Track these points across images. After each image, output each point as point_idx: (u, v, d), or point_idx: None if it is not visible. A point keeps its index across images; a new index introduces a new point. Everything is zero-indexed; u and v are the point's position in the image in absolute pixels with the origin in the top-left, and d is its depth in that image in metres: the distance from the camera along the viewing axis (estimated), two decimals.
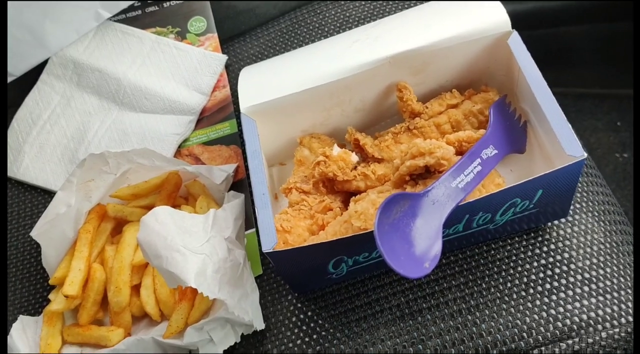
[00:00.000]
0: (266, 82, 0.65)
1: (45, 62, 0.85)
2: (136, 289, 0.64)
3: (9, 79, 0.84)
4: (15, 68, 0.84)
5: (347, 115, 0.67)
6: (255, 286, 0.60)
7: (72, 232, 0.66)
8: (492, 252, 0.60)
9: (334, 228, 0.56)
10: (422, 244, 0.47)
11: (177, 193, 0.70)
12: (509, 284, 0.57)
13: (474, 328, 0.55)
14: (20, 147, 0.80)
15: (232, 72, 0.82)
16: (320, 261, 0.55)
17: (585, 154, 0.50)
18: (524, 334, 0.54)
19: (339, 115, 0.67)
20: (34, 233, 0.65)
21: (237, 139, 0.76)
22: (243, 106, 0.63)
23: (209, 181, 0.69)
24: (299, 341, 0.59)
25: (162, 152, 0.74)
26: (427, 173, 0.55)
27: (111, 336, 0.60)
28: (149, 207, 0.64)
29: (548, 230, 0.60)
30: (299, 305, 0.61)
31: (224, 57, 0.82)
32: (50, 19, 0.84)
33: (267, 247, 0.52)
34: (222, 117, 0.79)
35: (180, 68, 0.82)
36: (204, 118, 0.79)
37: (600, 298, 0.56)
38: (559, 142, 0.52)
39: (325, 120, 0.67)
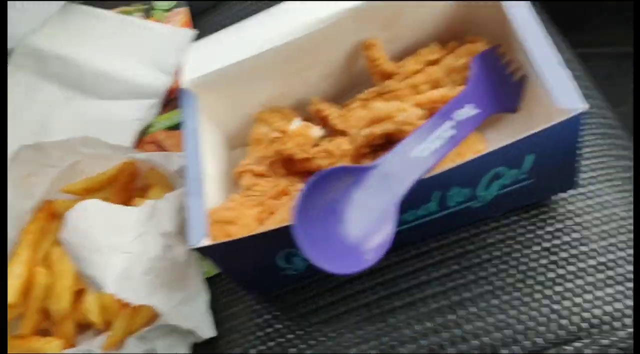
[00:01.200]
0: (213, 53, 0.57)
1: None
2: (82, 295, 0.57)
3: None
4: None
5: (312, 83, 0.57)
6: (202, 287, 0.52)
7: (14, 232, 0.60)
8: (482, 235, 0.49)
9: (282, 215, 0.47)
10: (367, 230, 0.37)
11: (133, 184, 0.62)
12: (502, 275, 0.46)
13: (455, 331, 0.45)
14: None
15: None
16: (265, 256, 0.46)
17: (586, 106, 0.39)
18: (519, 336, 0.43)
19: (301, 84, 0.57)
20: None
21: None
22: (186, 79, 0.54)
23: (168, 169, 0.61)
24: (253, 351, 0.50)
25: (122, 140, 0.67)
26: (390, 144, 0.45)
27: (47, 348, 0.53)
28: None
29: (553, 205, 0.49)
30: (257, 307, 0.52)
31: (192, 32, 0.74)
32: (11, 6, 0.78)
33: (193, 243, 0.43)
34: None
35: (145, 48, 0.74)
36: (170, 101, 0.71)
37: (619, 288, 0.44)
38: (550, 93, 0.41)
39: (287, 91, 0.58)
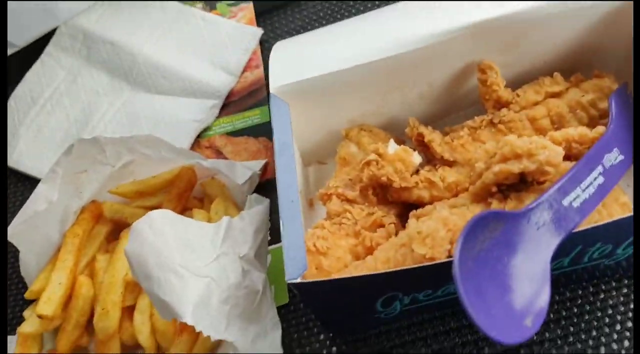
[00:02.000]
0: (304, 58, 0.51)
1: (52, 33, 0.73)
2: (130, 311, 0.50)
3: (10, 51, 0.72)
4: (18, 37, 0.72)
5: (409, 102, 0.52)
6: (277, 320, 0.46)
7: (57, 235, 0.53)
8: (602, 295, 0.44)
9: (387, 254, 0.41)
10: (523, 290, 0.32)
11: (190, 193, 0.56)
12: (625, 342, 0.41)
13: None
14: (16, 129, 0.68)
15: (267, 49, 0.68)
16: (365, 298, 0.40)
17: None
18: None
19: (397, 102, 0.52)
20: (9, 233, 0.52)
21: (268, 130, 0.61)
22: (274, 85, 0.49)
23: (230, 180, 0.55)
24: None
25: (177, 142, 0.61)
26: (522, 184, 0.40)
27: None
28: (155, 209, 0.49)
29: None
30: (334, 349, 0.46)
31: (259, 31, 0.69)
32: None
33: (292, 276, 0.37)
34: (252, 103, 0.65)
35: (206, 43, 0.68)
36: (231, 103, 0.65)
37: None
38: None
39: (380, 108, 0.52)
